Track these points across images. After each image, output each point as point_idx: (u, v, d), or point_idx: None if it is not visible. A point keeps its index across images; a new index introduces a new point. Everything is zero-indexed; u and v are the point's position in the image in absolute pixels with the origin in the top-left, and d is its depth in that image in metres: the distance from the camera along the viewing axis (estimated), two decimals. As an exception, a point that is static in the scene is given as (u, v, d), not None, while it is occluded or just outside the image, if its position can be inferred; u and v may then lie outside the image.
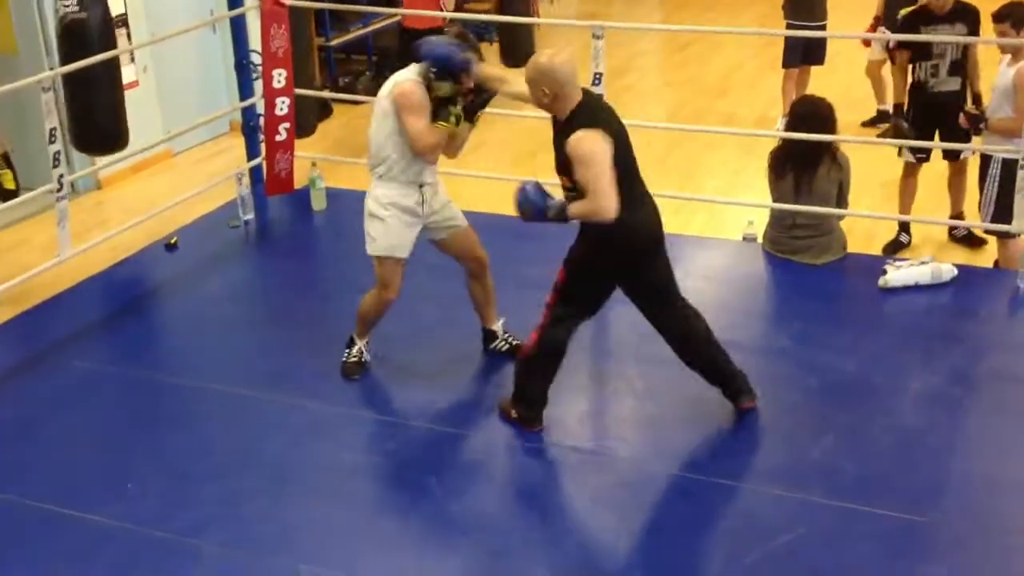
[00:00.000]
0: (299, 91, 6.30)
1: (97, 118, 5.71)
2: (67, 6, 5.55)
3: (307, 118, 6.67)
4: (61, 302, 5.47)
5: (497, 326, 4.64)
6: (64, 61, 5.57)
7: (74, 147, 5.98)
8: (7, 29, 7.20)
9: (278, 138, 6.25)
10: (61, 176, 5.30)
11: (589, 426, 4.34)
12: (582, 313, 4.07)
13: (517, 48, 8.01)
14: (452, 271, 4.95)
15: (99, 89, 5.65)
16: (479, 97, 4.20)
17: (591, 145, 3.65)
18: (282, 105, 6.23)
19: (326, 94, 7.64)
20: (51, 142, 5.26)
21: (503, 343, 4.63)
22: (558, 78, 3.67)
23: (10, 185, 6.81)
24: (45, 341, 4.99)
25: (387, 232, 4.25)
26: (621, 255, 3.91)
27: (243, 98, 6.54)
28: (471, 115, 4.22)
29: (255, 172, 6.53)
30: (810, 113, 5.39)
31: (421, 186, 4.27)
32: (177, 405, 4.49)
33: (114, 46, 5.69)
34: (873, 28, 7.74)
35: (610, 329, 5.12)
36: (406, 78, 4.15)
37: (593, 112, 3.79)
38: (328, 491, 3.88)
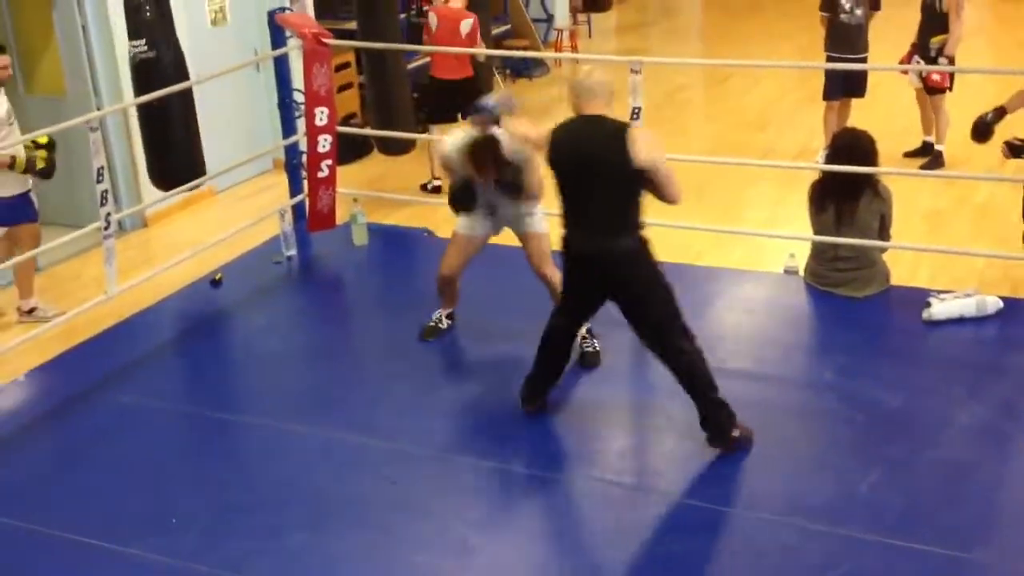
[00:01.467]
0: (342, 129, 6.39)
1: (174, 156, 6.01)
2: (136, 47, 5.76)
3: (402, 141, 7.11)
4: (108, 338, 5.55)
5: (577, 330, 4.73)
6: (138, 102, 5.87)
7: (155, 186, 6.19)
8: (56, 71, 7.39)
9: (320, 175, 6.32)
10: (108, 214, 5.39)
11: (629, 461, 4.32)
12: (570, 311, 4.37)
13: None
14: (505, 308, 4.99)
15: (175, 128, 5.96)
16: (504, 180, 4.62)
17: (538, 129, 4.29)
18: (324, 143, 6.29)
19: (367, 131, 7.73)
20: (99, 181, 5.36)
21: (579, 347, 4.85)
22: (574, 88, 4.17)
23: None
24: (92, 376, 5.06)
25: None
26: (565, 263, 4.26)
27: (286, 136, 6.64)
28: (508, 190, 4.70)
29: (298, 208, 6.61)
30: (851, 145, 5.36)
31: None
32: (221, 439, 4.53)
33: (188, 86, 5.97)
34: (909, 56, 7.73)
35: (651, 363, 5.10)
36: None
37: (566, 123, 4.16)
38: (370, 525, 3.88)
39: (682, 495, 4.02)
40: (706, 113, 10.00)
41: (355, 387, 4.83)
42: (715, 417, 4.14)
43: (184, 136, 6.03)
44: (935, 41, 7.53)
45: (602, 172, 4.02)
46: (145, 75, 5.84)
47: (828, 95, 7.98)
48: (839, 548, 3.63)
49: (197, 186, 6.42)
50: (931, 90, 7.76)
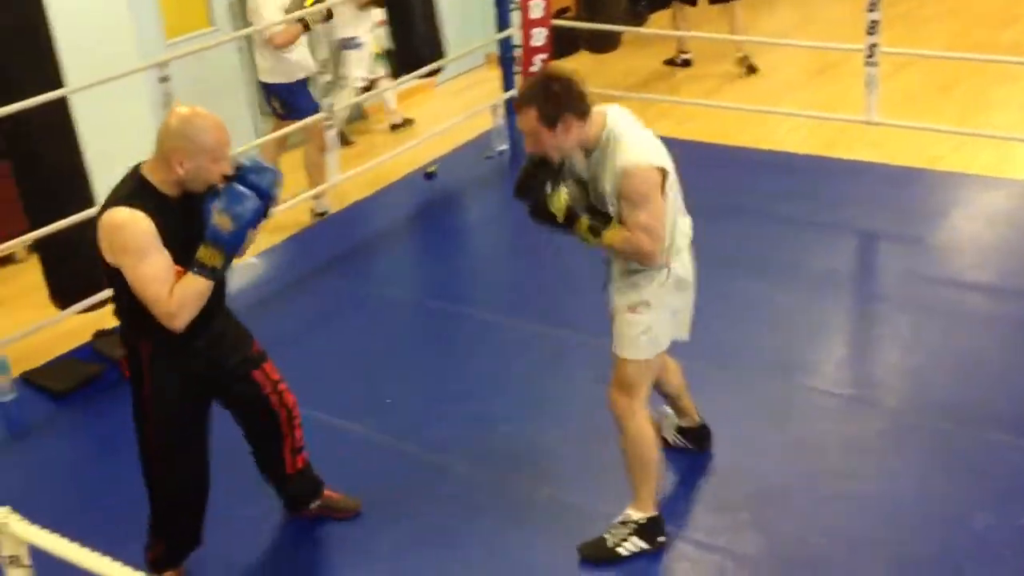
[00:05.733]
0: (556, 22, 6.27)
1: (415, 42, 6.12)
2: None
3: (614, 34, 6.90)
4: (328, 225, 5.75)
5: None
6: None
7: (399, 68, 6.30)
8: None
9: (533, 69, 6.25)
10: (331, 106, 5.53)
11: (849, 371, 4.12)
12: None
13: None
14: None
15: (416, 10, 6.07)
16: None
17: None
18: (539, 36, 6.22)
19: (583, 24, 7.56)
20: (321, 73, 5.49)
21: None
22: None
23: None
24: (312, 262, 5.26)
25: None
26: None
27: (500, 29, 6.58)
28: None
29: (510, 103, 6.57)
30: None
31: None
32: (431, 326, 4.62)
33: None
34: None
35: (878, 273, 4.84)
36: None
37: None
38: (571, 418, 3.87)
39: (902, 409, 3.80)
40: (946, 7, 9.22)
41: (558, 281, 4.80)
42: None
43: (424, 18, 6.10)
44: None
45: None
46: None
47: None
48: (1081, 477, 3.35)
49: (436, 71, 6.50)
50: None
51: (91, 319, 4.52)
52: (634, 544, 3.22)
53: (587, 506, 3.41)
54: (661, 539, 3.24)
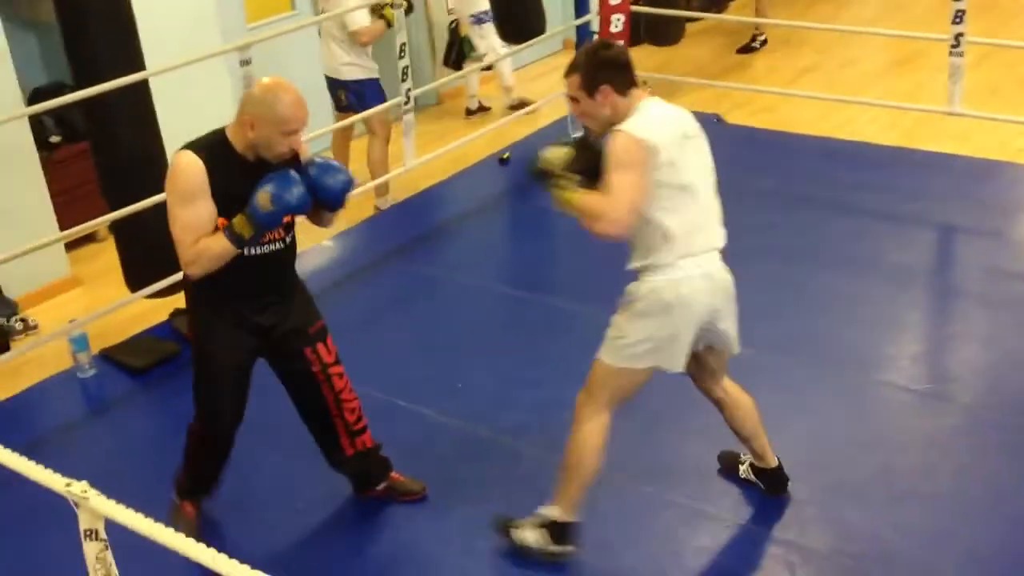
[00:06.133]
0: (635, 8, 6.21)
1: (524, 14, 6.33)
2: None
3: (677, 28, 6.83)
4: (401, 209, 5.79)
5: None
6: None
7: (503, 39, 6.53)
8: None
9: (610, 56, 6.21)
10: (408, 90, 5.56)
11: (925, 367, 4.03)
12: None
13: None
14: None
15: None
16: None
17: None
18: (617, 22, 6.16)
19: (666, 12, 7.49)
20: (400, 57, 5.52)
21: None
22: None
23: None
24: (385, 246, 5.30)
25: None
26: None
27: (579, 15, 6.55)
28: None
29: (586, 90, 6.54)
30: None
31: None
32: (503, 313, 4.63)
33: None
34: None
35: (957, 267, 4.74)
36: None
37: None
38: (644, 409, 3.83)
39: (980, 407, 3.71)
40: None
41: (630, 271, 4.76)
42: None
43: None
44: None
45: None
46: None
47: None
48: None
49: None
50: None
51: (169, 298, 4.62)
52: (539, 537, 3.15)
53: (655, 497, 3.41)
54: (569, 547, 3.14)
